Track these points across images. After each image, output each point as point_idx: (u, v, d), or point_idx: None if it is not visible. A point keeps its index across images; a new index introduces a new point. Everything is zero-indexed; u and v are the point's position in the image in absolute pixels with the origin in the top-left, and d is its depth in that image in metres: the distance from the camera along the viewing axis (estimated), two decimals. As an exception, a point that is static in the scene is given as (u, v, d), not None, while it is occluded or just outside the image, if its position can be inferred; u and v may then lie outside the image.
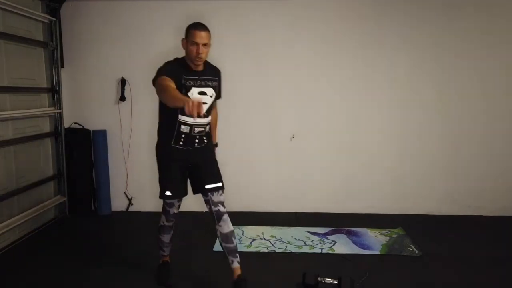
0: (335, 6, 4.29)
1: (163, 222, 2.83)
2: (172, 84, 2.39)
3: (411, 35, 4.30)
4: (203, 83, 2.61)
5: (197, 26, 2.53)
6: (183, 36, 2.59)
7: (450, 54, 4.32)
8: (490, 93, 4.37)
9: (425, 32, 4.29)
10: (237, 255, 2.69)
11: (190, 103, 2.09)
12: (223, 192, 2.71)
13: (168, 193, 2.66)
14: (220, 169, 2.77)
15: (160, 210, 4.11)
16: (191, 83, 2.56)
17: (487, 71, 4.34)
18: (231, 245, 2.67)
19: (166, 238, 2.88)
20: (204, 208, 4.48)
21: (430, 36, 4.30)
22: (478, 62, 4.33)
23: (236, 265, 2.68)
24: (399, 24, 4.29)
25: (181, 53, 3.07)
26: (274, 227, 4.07)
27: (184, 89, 2.51)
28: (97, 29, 4.34)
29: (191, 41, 2.51)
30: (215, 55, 4.31)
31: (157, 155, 2.72)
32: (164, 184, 2.68)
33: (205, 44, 2.53)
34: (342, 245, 3.63)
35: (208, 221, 4.14)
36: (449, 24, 4.28)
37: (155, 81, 2.49)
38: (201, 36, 2.51)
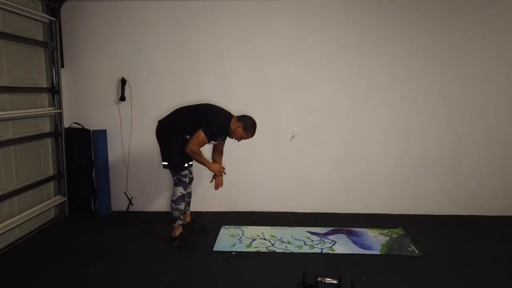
0: (335, 5, 4.28)
1: (181, 192, 3.55)
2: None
3: (413, 33, 4.29)
4: (221, 140, 3.69)
5: (254, 132, 3.54)
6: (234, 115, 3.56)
7: (451, 53, 4.31)
8: (491, 92, 4.37)
9: (426, 31, 4.28)
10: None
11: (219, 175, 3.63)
12: None
13: (186, 165, 3.56)
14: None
15: (160, 209, 4.21)
16: (218, 140, 3.62)
17: (489, 71, 4.34)
18: (190, 199, 3.92)
19: (183, 205, 3.60)
20: (204, 208, 4.51)
21: (431, 35, 4.29)
22: (479, 61, 4.32)
23: (188, 212, 3.99)
24: (400, 22, 4.28)
25: (183, 53, 4.21)
26: (274, 227, 4.07)
27: (212, 140, 3.57)
28: (97, 29, 4.34)
29: (245, 135, 3.52)
30: (215, 54, 4.35)
31: (171, 141, 3.54)
32: (181, 159, 3.52)
33: None
34: (342, 245, 3.62)
35: (207, 221, 4.16)
36: (451, 21, 4.27)
37: (205, 130, 3.38)
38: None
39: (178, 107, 3.68)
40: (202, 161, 3.52)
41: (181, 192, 3.54)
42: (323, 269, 3.01)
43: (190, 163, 3.67)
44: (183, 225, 3.72)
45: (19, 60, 3.75)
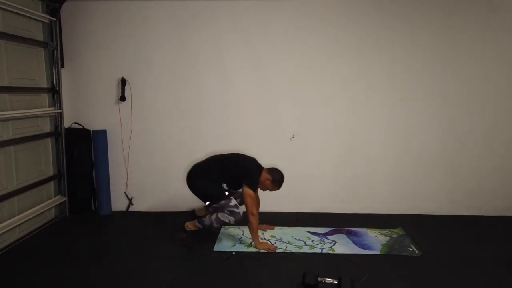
0: (335, 5, 4.28)
1: (230, 221, 3.49)
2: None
3: (413, 33, 4.29)
4: None
5: (281, 186, 3.61)
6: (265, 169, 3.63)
7: (451, 53, 4.31)
8: (491, 92, 4.37)
9: (426, 31, 4.28)
10: None
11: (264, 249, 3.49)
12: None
13: (227, 193, 3.54)
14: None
15: (160, 210, 4.19)
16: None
17: (489, 71, 4.34)
18: None
19: (218, 228, 3.72)
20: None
21: (431, 35, 4.29)
22: (479, 61, 4.32)
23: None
24: (400, 22, 4.28)
25: (183, 53, 4.36)
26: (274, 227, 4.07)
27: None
28: (97, 29, 4.34)
29: (271, 188, 3.61)
30: (215, 54, 4.35)
31: (202, 182, 3.59)
32: (219, 190, 3.57)
33: None
34: (342, 245, 3.62)
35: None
36: (451, 21, 4.27)
37: (251, 187, 3.48)
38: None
39: (212, 155, 3.75)
40: (255, 233, 3.52)
41: (229, 221, 3.49)
42: (323, 269, 3.01)
43: (231, 190, 3.63)
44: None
45: (19, 60, 3.75)
